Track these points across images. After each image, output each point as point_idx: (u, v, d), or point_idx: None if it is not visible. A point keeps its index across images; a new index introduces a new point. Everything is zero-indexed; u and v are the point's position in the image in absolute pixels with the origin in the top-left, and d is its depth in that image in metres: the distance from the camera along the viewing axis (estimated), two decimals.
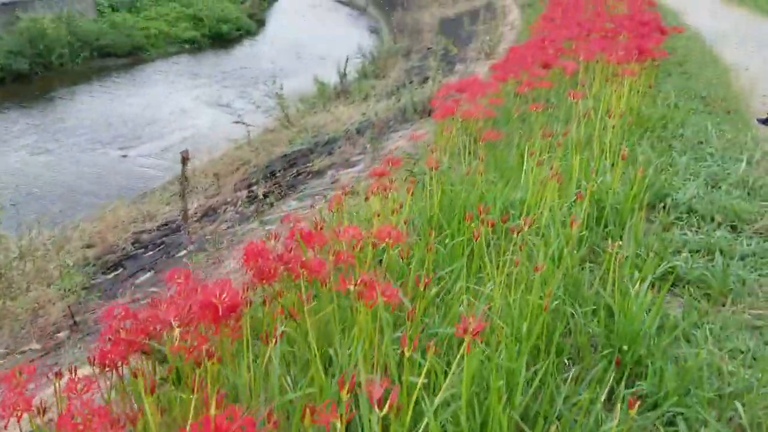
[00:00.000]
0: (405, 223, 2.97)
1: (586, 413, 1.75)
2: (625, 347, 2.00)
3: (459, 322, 1.62)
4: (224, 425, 1.30)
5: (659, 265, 2.60)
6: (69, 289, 4.99)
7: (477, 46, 14.61)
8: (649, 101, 5.06)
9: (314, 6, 30.48)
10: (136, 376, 1.80)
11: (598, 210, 3.03)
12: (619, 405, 1.59)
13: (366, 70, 14.79)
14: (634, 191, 3.03)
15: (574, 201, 2.83)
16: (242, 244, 5.68)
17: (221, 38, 23.22)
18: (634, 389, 1.95)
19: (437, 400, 1.61)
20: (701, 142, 4.31)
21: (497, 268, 2.33)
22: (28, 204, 11.24)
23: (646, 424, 1.86)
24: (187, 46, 22.15)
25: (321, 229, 2.60)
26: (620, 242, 2.83)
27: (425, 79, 12.50)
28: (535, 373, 1.85)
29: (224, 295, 1.91)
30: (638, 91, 5.01)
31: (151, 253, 6.72)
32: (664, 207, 3.29)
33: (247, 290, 2.10)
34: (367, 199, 3.36)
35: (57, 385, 1.79)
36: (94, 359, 1.92)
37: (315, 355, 1.85)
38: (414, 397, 1.54)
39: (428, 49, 16.94)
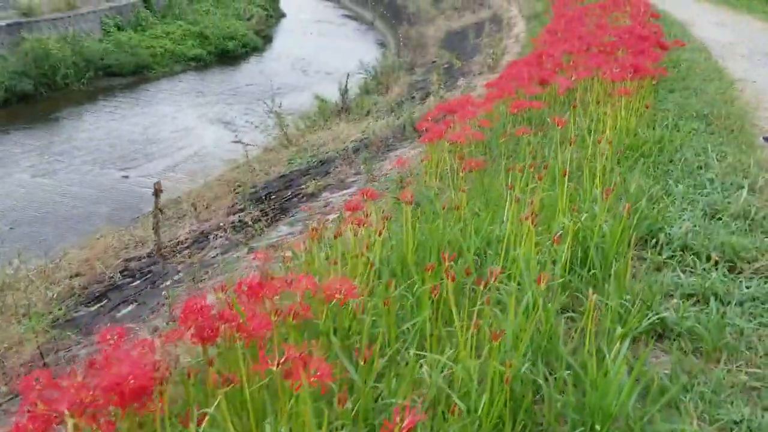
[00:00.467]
0: (371, 267, 2.73)
1: None
2: (598, 426, 1.74)
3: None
4: None
5: (646, 316, 2.34)
6: (36, 330, 4.77)
7: (481, 59, 14.38)
8: (646, 122, 4.79)
9: (321, 21, 30.44)
10: None
11: (583, 250, 2.77)
12: None
13: (368, 86, 14.59)
14: (621, 229, 2.77)
15: (553, 244, 2.56)
16: (227, 273, 5.47)
17: (227, 55, 23.19)
18: None
19: None
20: (700, 167, 4.03)
21: (464, 325, 2.09)
22: (26, 228, 11.12)
23: None
24: (192, 63, 22.14)
25: (271, 279, 2.37)
26: (607, 286, 2.58)
27: (427, 95, 12.29)
28: None
29: (134, 375, 1.68)
30: (636, 111, 4.74)
31: (137, 282, 6.52)
32: (656, 243, 3.02)
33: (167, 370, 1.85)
34: (336, 237, 3.12)
35: None
36: None
37: None
38: None
39: (433, 63, 16.77)
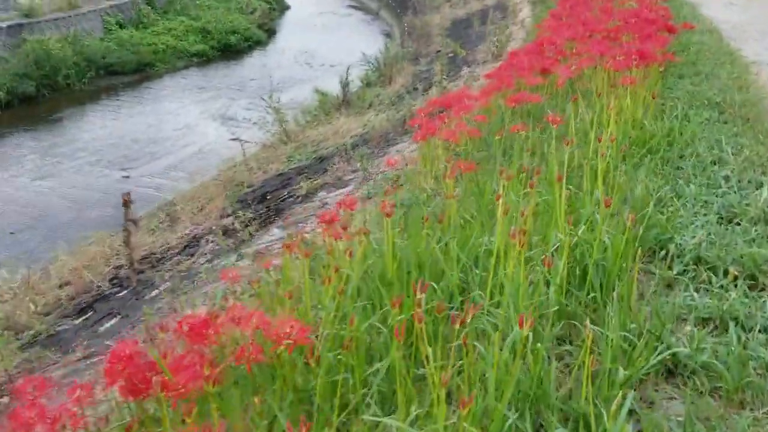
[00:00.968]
0: (341, 293, 2.40)
1: None
2: None
3: None
4: None
5: (654, 352, 2.00)
6: (3, 353, 4.49)
7: (485, 47, 13.95)
8: (654, 113, 4.40)
9: (326, 12, 30.03)
10: None
11: (582, 267, 2.43)
12: None
13: (370, 78, 14.21)
14: (625, 241, 2.42)
15: (545, 267, 2.22)
16: (211, 284, 5.17)
17: (230, 50, 22.90)
18: None
19: None
20: (714, 162, 3.66)
21: (439, 368, 1.76)
22: (25, 234, 10.90)
23: None
24: (195, 59, 21.87)
25: (216, 319, 2.05)
26: (610, 310, 2.24)
27: (430, 86, 11.91)
28: None
29: None
30: (643, 101, 4.37)
31: (124, 293, 6.24)
32: (666, 255, 2.67)
33: None
34: (306, 256, 2.79)
35: None
36: None
37: None
38: None
39: (437, 52, 16.33)
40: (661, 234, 2.75)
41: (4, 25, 18.31)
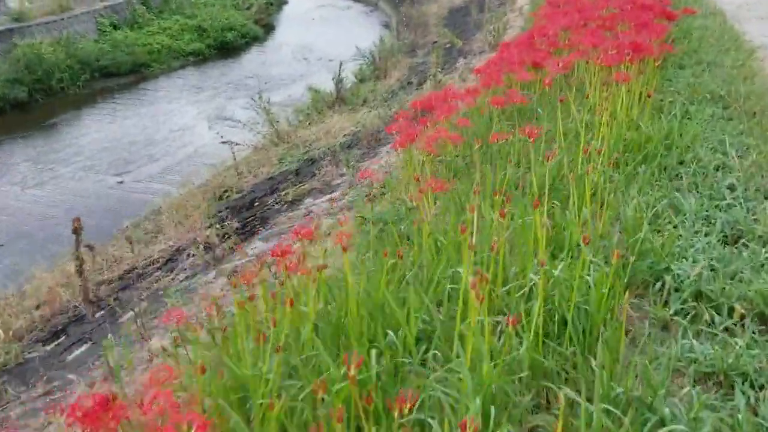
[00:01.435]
0: (278, 350, 2.05)
1: None
2: None
3: None
4: None
5: (644, 427, 1.64)
6: None
7: (482, 36, 13.52)
8: (651, 110, 4.01)
9: (325, 6, 29.59)
10: None
11: (560, 313, 2.07)
12: None
13: (364, 72, 13.81)
14: (611, 279, 2.06)
15: (507, 324, 1.86)
16: (184, 305, 4.83)
17: (227, 47, 22.51)
18: None
19: None
20: (718, 168, 3.27)
21: None
22: (15, 244, 10.61)
23: None
24: (191, 58, 21.53)
25: (115, 400, 1.71)
26: (594, 364, 1.88)
27: (425, 79, 11.52)
28: None
29: None
30: (639, 99, 3.98)
31: (102, 313, 5.91)
32: (662, 288, 2.30)
33: None
34: (251, 299, 2.45)
35: None
36: None
37: None
38: None
39: (434, 43, 15.91)
40: (656, 264, 2.38)
41: None
